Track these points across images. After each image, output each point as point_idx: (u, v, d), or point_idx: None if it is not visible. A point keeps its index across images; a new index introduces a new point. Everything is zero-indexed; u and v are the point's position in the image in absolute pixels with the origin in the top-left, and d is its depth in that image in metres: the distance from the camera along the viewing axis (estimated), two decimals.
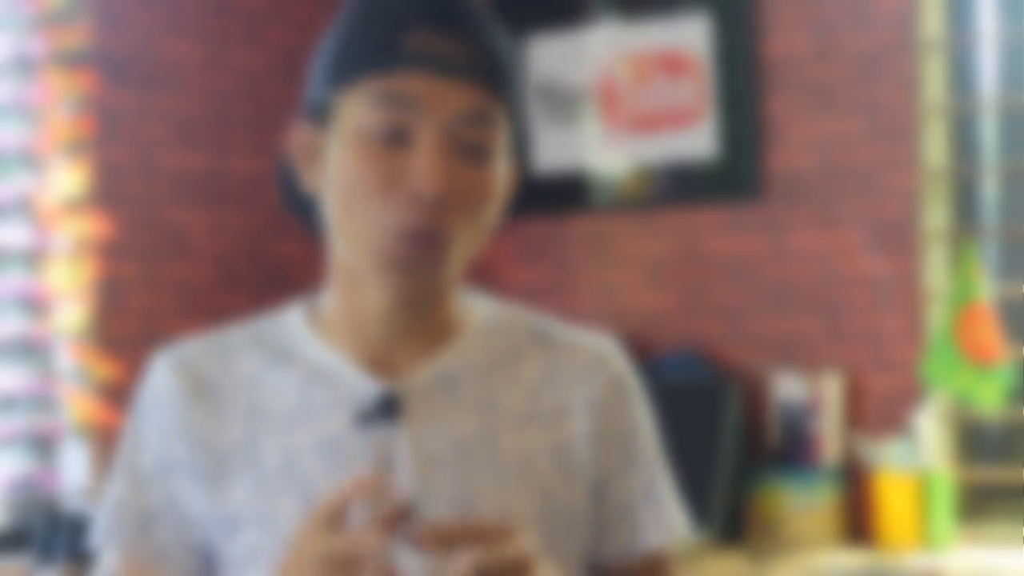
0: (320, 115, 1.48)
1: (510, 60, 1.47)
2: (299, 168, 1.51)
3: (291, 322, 1.54)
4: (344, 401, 1.48)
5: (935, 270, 3.47)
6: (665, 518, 1.57)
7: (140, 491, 1.51)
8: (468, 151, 1.43)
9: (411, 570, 1.42)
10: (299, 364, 1.51)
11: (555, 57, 3.85)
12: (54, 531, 3.15)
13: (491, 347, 1.53)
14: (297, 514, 1.44)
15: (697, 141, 3.69)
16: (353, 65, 1.44)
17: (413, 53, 1.42)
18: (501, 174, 1.47)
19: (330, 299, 1.53)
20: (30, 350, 3.36)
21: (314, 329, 1.53)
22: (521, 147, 1.53)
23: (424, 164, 1.41)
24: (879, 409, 3.49)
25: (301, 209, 1.54)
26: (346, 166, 1.44)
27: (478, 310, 1.56)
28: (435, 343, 1.51)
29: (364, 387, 1.48)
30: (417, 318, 1.49)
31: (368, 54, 1.43)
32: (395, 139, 1.42)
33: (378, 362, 1.50)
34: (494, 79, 1.44)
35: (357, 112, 1.43)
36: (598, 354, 1.55)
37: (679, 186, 3.72)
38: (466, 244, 1.45)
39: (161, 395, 1.51)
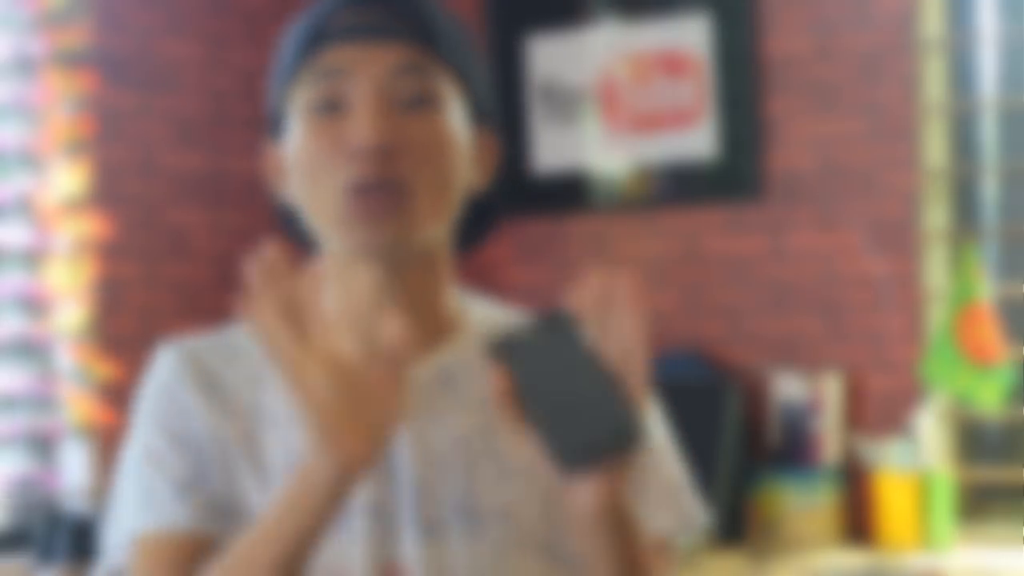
0: (276, 125, 1.52)
1: (447, 24, 1.49)
2: (275, 186, 1.54)
3: None
4: None
5: (935, 270, 3.47)
6: (678, 505, 1.53)
7: (164, 466, 1.46)
8: (409, 102, 1.45)
9: (412, 555, 1.43)
10: None
11: (555, 57, 3.85)
12: (54, 531, 3.14)
13: None
14: None
15: (697, 141, 3.69)
16: (289, 62, 1.49)
17: (335, 30, 1.46)
18: (456, 125, 1.48)
19: (327, 299, 1.53)
20: (30, 350, 3.36)
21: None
22: (486, 114, 1.54)
23: (358, 119, 1.44)
24: (879, 409, 3.49)
25: (301, 237, 1.57)
26: (297, 150, 1.48)
27: (476, 309, 1.56)
28: (433, 341, 1.51)
29: None
30: (409, 295, 1.49)
31: (299, 47, 1.48)
32: (332, 109, 1.46)
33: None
34: (424, 35, 1.47)
35: (300, 100, 1.48)
36: None
37: (679, 186, 3.72)
38: (434, 196, 1.45)
39: (171, 380, 1.49)
